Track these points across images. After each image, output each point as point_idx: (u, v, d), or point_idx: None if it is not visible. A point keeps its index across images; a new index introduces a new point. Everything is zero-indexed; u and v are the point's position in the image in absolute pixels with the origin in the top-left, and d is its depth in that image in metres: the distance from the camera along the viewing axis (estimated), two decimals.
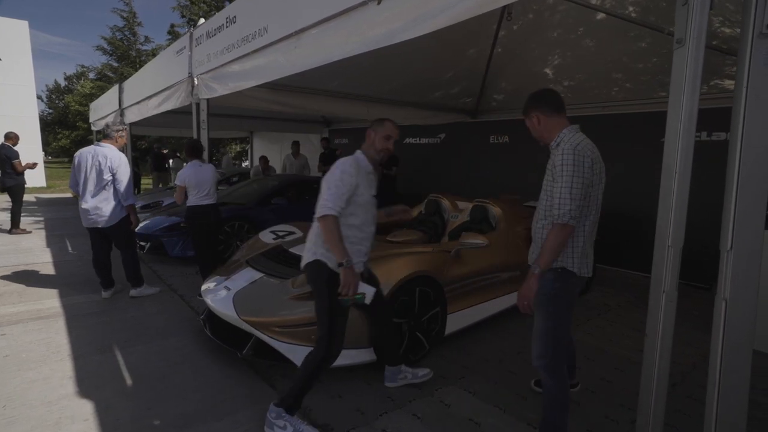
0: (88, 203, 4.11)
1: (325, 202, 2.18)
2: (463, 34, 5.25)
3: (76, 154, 4.22)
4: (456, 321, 3.38)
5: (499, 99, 6.94)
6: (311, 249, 2.33)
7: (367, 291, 2.19)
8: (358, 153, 2.38)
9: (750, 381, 1.33)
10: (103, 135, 4.33)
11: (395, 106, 6.53)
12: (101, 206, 4.11)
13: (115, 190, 4.14)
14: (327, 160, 8.83)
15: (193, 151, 4.40)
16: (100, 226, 4.16)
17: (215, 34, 4.30)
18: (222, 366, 2.99)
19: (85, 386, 2.70)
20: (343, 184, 2.21)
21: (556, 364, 2.08)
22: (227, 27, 4.04)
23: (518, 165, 6.98)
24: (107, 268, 4.39)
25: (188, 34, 4.97)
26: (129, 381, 2.77)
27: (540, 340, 2.11)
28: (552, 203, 1.98)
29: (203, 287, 3.39)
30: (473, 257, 3.53)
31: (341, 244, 2.15)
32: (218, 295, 3.15)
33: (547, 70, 5.85)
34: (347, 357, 2.78)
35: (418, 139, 9.01)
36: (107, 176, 4.07)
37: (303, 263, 2.35)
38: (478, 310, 3.56)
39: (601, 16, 4.59)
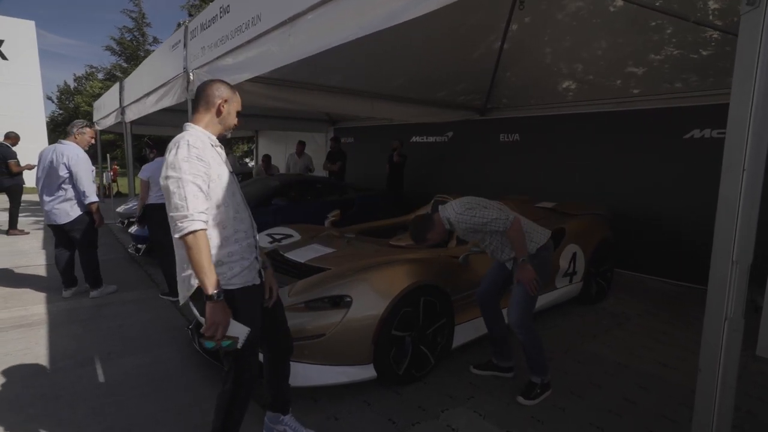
0: (46, 200, 4.09)
1: (183, 212, 1.57)
2: (472, 27, 4.99)
3: (40, 151, 4.18)
4: (464, 332, 3.11)
5: (510, 96, 6.65)
6: (187, 274, 1.71)
7: (239, 333, 1.64)
8: (192, 129, 1.78)
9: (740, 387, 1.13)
10: (66, 133, 4.25)
11: (401, 103, 6.27)
12: (57, 204, 4.07)
13: (73, 188, 4.06)
14: (334, 158, 8.61)
15: (162, 147, 4.27)
16: (58, 223, 4.10)
17: (209, 26, 4.06)
18: (209, 383, 2.74)
19: (59, 405, 2.47)
20: (196, 176, 1.60)
21: (530, 324, 2.63)
22: (221, 17, 3.80)
23: (529, 164, 6.68)
24: (69, 267, 4.32)
25: (183, 27, 4.74)
26: (106, 400, 2.54)
27: (520, 309, 2.60)
28: (493, 229, 2.57)
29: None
30: (483, 263, 3.24)
31: (212, 271, 1.60)
32: None
33: (560, 65, 5.56)
34: (344, 374, 2.54)
35: (425, 137, 8.73)
36: (63, 173, 4.00)
37: (191, 292, 1.73)
38: None
39: (619, 4, 4.30)
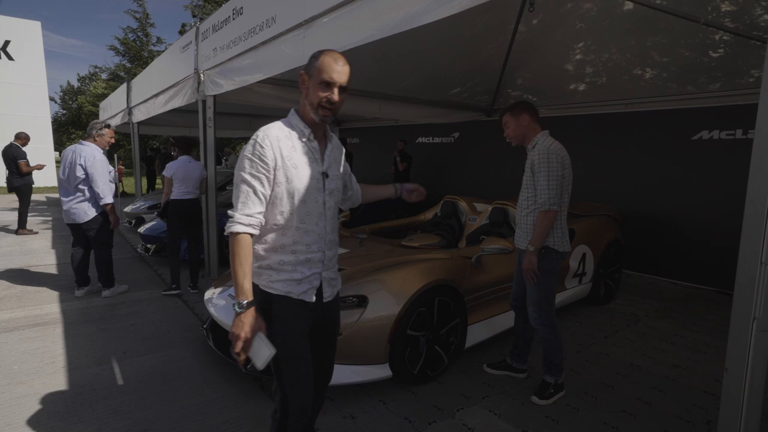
0: (64, 200, 4.17)
1: (232, 211, 1.50)
2: (480, 27, 5.00)
3: (62, 151, 4.26)
4: (477, 332, 3.13)
5: (517, 96, 6.66)
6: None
7: (261, 353, 1.43)
8: (291, 113, 1.61)
9: None
10: (86, 134, 4.30)
11: (408, 104, 6.29)
12: (75, 203, 4.15)
13: (90, 189, 4.13)
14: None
15: (183, 146, 4.47)
16: (77, 222, 4.17)
17: (221, 27, 4.10)
18: (225, 382, 2.77)
19: (78, 403, 2.50)
20: (254, 177, 1.48)
21: (550, 320, 2.61)
22: (234, 19, 3.84)
23: None
24: (84, 267, 4.39)
25: (194, 28, 4.78)
26: (124, 398, 2.56)
27: (536, 307, 2.61)
28: (535, 194, 2.51)
29: (206, 295, 3.18)
30: (495, 263, 3.28)
31: (245, 279, 1.46)
32: (222, 303, 2.94)
33: (568, 66, 5.56)
34: (360, 374, 2.56)
35: (431, 138, 8.76)
36: (80, 174, 4.08)
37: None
38: (501, 320, 3.30)
39: (628, 6, 4.30)
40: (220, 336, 2.96)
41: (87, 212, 4.14)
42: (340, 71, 1.49)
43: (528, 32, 5.19)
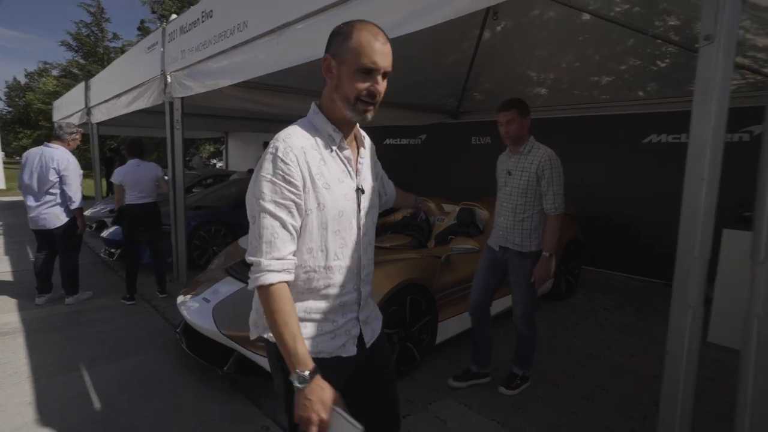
0: (32, 205, 4.03)
1: (257, 257, 1.11)
2: (446, 34, 5.16)
3: (25, 153, 4.12)
4: (447, 329, 3.26)
5: (482, 99, 6.90)
6: (254, 317, 1.29)
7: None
8: (313, 111, 1.23)
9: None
10: (55, 136, 4.16)
11: None
12: (46, 208, 4.02)
13: (62, 193, 4.03)
14: None
15: (133, 150, 4.33)
16: (48, 228, 4.05)
17: (190, 29, 4.06)
18: (200, 385, 2.77)
19: (48, 413, 2.45)
20: (280, 207, 1.10)
21: (533, 318, 2.70)
22: (203, 22, 3.82)
23: None
24: (47, 274, 4.26)
25: (160, 29, 4.70)
26: (97, 405, 2.53)
27: (524, 305, 2.67)
28: (546, 199, 2.53)
29: (179, 299, 3.16)
30: (464, 262, 3.42)
31: (296, 342, 1.08)
32: (196, 307, 2.94)
33: (530, 72, 5.83)
34: None
35: (398, 140, 8.90)
36: (53, 178, 3.97)
37: (250, 334, 1.31)
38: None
39: (585, 17, 4.57)
40: (194, 340, 2.96)
41: (59, 217, 4.03)
42: (383, 51, 1.11)
43: (491, 39, 5.41)
